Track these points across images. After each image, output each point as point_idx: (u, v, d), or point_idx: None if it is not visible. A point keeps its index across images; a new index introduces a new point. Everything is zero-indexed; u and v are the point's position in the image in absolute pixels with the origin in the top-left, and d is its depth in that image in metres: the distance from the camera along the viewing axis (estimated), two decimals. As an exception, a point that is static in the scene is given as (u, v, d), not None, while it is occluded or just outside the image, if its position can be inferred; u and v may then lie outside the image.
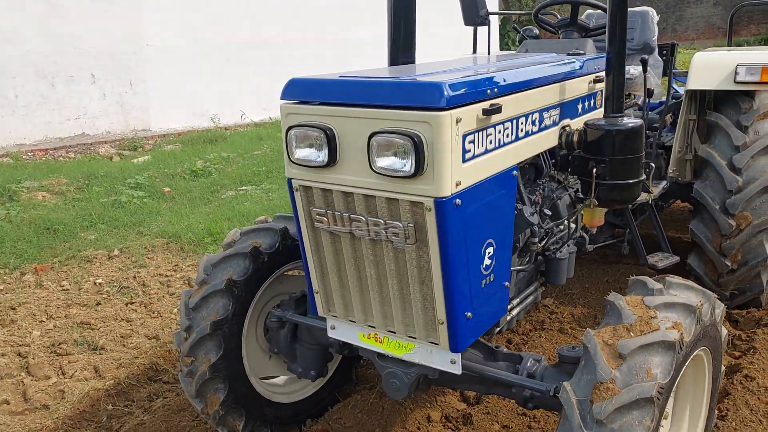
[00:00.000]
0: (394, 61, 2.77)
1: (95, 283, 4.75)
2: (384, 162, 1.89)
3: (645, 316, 1.87)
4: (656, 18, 4.24)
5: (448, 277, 1.96)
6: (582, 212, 2.87)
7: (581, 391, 1.79)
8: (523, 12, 4.65)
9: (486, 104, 2.00)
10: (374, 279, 2.13)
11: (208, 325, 2.50)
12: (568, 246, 2.84)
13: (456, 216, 1.91)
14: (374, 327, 2.24)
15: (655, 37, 4.23)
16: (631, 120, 2.42)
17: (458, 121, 1.87)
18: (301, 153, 2.08)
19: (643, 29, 4.20)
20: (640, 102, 3.95)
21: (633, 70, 3.71)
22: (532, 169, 2.67)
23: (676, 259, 3.56)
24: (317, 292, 2.32)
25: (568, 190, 2.84)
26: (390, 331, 2.20)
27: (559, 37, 3.44)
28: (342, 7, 13.14)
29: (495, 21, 13.85)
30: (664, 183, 3.73)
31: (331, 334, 2.40)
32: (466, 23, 3.55)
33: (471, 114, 1.94)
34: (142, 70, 10.84)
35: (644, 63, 3.40)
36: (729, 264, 3.47)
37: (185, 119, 11.42)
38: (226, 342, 2.56)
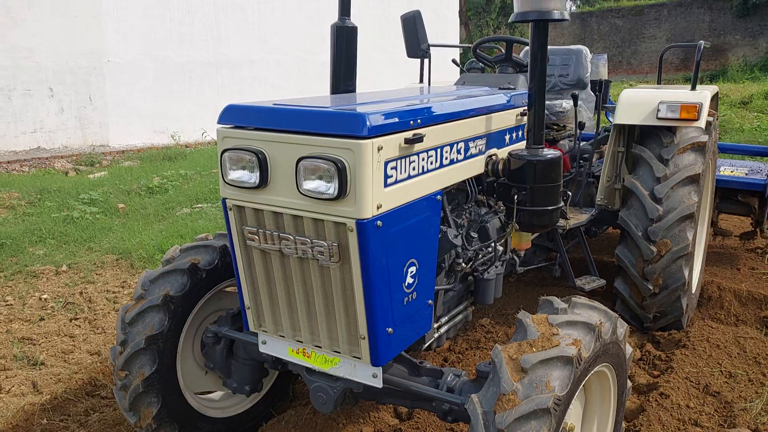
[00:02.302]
0: (335, 89, 2.93)
1: (40, 299, 4.72)
2: (310, 185, 2.02)
3: (548, 333, 2.02)
4: (590, 56, 4.51)
5: (369, 294, 2.09)
6: (511, 236, 3.03)
7: (487, 402, 1.92)
8: (464, 45, 4.87)
9: (408, 134, 2.15)
10: (302, 295, 2.24)
11: (143, 339, 2.57)
12: (496, 267, 2.99)
13: (377, 237, 2.04)
14: (302, 342, 2.34)
15: (588, 74, 4.49)
16: (550, 151, 2.60)
17: (380, 148, 2.01)
18: (235, 174, 2.19)
19: (577, 66, 4.46)
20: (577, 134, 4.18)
21: (565, 104, 3.95)
22: (461, 194, 2.82)
23: (602, 282, 3.75)
24: (249, 308, 2.41)
25: (498, 214, 3.00)
26: (317, 346, 2.31)
27: (496, 72, 3.65)
28: (305, 32, 13.35)
29: (456, 50, 14.20)
30: (592, 210, 3.94)
31: (262, 348, 2.49)
32: (409, 56, 3.74)
33: (393, 142, 2.08)
34: (102, 86, 10.81)
35: (575, 98, 3.64)
36: (651, 288, 3.67)
37: (145, 136, 11.40)
38: (161, 356, 2.62)
